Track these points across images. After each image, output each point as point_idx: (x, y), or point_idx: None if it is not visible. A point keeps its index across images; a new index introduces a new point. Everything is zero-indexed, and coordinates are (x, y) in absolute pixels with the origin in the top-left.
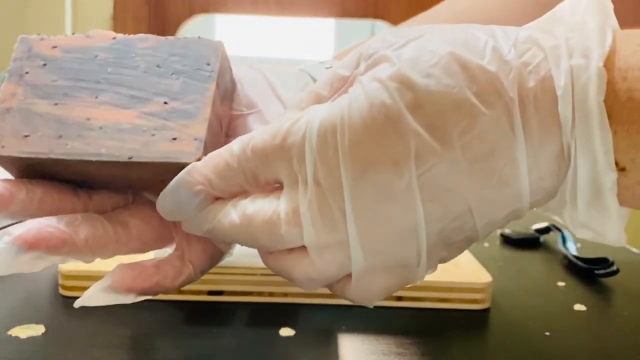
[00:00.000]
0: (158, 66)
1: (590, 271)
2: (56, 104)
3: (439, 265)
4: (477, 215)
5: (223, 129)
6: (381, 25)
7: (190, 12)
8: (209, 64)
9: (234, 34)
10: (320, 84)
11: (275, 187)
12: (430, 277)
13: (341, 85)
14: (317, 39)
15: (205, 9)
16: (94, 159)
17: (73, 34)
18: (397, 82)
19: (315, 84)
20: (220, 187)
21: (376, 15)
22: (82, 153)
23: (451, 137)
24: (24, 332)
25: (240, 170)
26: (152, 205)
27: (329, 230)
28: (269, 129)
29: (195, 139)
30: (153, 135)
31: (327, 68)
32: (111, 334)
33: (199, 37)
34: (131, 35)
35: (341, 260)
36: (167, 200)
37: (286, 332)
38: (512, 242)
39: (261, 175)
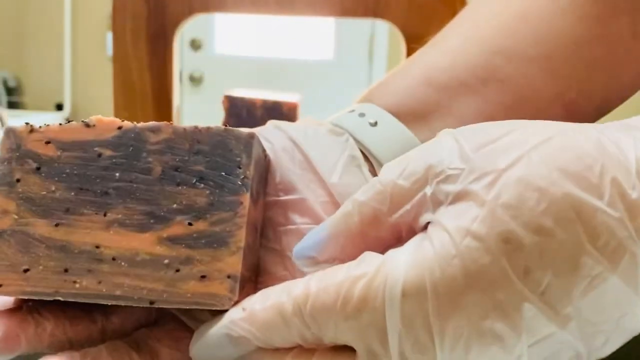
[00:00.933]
0: (177, 169)
1: None
2: (57, 225)
3: None
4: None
5: (258, 231)
6: (381, 25)
7: (190, 11)
8: (240, 167)
9: (233, 34)
10: (374, 196)
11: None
12: None
13: (403, 202)
14: (316, 38)
15: (205, 8)
16: (108, 302)
17: (69, 121)
18: (500, 240)
19: (367, 194)
20: (268, 342)
21: (376, 15)
22: (94, 295)
23: (568, 302)
24: None
25: (296, 334)
26: (180, 323)
27: None
28: (329, 286)
29: (229, 277)
30: (177, 271)
31: (359, 116)
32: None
33: (225, 127)
34: (140, 125)
35: None
36: (201, 348)
37: None
38: None
39: (325, 339)
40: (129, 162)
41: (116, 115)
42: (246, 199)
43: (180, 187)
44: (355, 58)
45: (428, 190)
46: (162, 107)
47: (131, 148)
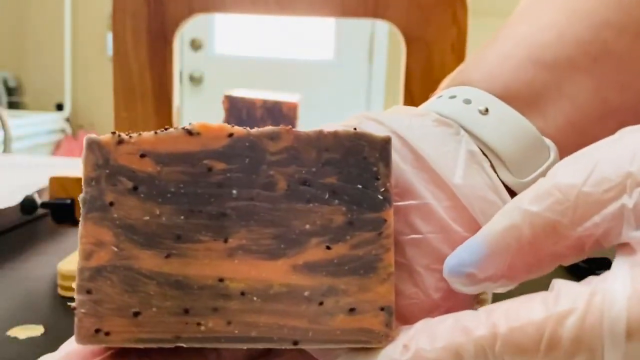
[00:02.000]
0: (305, 183)
1: (591, 271)
2: (169, 256)
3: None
4: None
5: None
6: (381, 25)
7: (190, 12)
8: (378, 177)
9: (233, 34)
10: (552, 205)
11: None
12: None
13: (591, 213)
14: (316, 38)
15: (205, 9)
16: (244, 346)
17: (166, 129)
18: None
19: (542, 204)
20: None
21: (376, 15)
22: (225, 337)
23: None
24: (23, 332)
25: None
26: (297, 353)
27: None
28: (526, 326)
29: (383, 310)
30: (321, 304)
31: (465, 102)
32: None
33: (356, 131)
34: (255, 131)
35: None
36: None
37: None
38: None
39: None
40: (248, 177)
41: (116, 115)
42: (390, 215)
43: (311, 205)
44: (355, 58)
45: (627, 201)
46: (162, 107)
47: (247, 159)
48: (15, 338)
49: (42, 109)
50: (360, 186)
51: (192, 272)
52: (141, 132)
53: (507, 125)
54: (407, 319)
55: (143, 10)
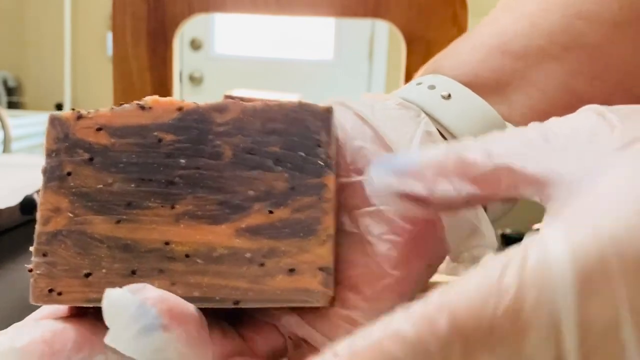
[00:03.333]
0: (250, 152)
1: None
2: (119, 222)
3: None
4: None
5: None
6: (381, 25)
7: (190, 11)
8: (320, 145)
9: (233, 34)
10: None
11: None
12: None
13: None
14: (316, 38)
15: (205, 8)
16: None
17: (121, 104)
18: None
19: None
20: None
21: (376, 15)
22: None
23: None
24: None
25: None
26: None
27: None
28: (471, 297)
29: (321, 270)
30: (262, 265)
31: (429, 88)
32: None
33: (299, 102)
34: (204, 104)
35: None
36: None
37: None
38: (512, 241)
39: None
40: (195, 147)
41: None
42: (330, 180)
43: (255, 172)
44: (355, 58)
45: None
46: None
47: (196, 131)
48: None
49: (41, 108)
50: (302, 154)
51: (140, 236)
52: (99, 109)
53: (468, 110)
54: (360, 289)
55: (143, 10)
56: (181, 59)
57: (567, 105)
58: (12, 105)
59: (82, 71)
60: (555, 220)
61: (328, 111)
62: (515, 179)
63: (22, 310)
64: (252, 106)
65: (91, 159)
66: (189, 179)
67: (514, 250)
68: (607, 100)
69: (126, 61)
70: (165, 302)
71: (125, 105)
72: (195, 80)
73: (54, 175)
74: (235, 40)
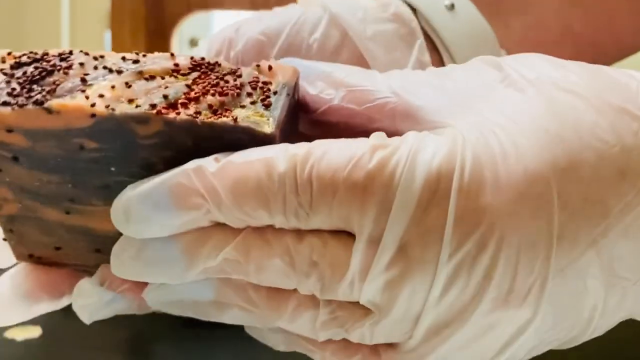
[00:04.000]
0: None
1: None
2: (69, 213)
3: None
4: None
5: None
6: None
7: (189, 9)
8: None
9: None
10: None
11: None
12: None
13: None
14: None
15: (203, 6)
16: None
17: (21, 105)
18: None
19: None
20: (231, 212)
21: None
22: None
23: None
24: (20, 333)
25: (278, 203)
26: None
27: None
28: (342, 150)
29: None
30: None
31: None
32: (109, 336)
33: (234, 123)
34: (119, 113)
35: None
36: (130, 204)
37: None
38: None
39: (314, 215)
40: (123, 156)
41: None
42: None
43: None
44: None
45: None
46: None
47: (118, 141)
48: (13, 339)
49: None
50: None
51: (94, 225)
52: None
53: (468, 27)
54: None
55: (141, 8)
56: None
57: (559, 38)
58: None
59: None
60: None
61: (270, 137)
62: (410, 117)
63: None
64: (179, 122)
65: (16, 158)
66: (124, 183)
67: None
68: (594, 36)
69: None
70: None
71: (28, 107)
72: None
73: None
74: None
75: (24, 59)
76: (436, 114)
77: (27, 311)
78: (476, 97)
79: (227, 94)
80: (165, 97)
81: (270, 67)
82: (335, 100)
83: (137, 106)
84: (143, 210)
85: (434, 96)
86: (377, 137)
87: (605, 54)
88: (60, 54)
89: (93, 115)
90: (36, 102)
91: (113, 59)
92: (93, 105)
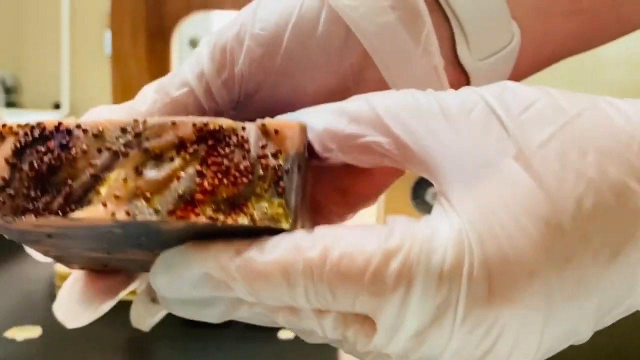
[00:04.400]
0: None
1: None
2: (110, 254)
3: None
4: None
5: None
6: None
7: (189, 9)
8: None
9: None
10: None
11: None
12: None
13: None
14: None
15: (203, 6)
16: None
17: (42, 211)
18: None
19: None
20: (257, 298)
21: None
22: None
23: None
24: (20, 333)
25: (299, 296)
26: None
27: None
28: (356, 255)
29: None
30: None
31: None
32: (108, 335)
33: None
34: (146, 219)
35: None
36: (168, 281)
37: (285, 334)
38: None
39: (336, 306)
40: (151, 233)
41: None
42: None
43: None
44: None
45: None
46: None
47: (144, 229)
48: (13, 339)
49: (39, 108)
50: None
51: (134, 257)
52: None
53: None
54: None
55: (141, 8)
56: (180, 57)
57: (566, 9)
58: (9, 104)
59: (80, 70)
60: (442, 212)
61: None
62: (406, 154)
63: (21, 311)
64: (202, 222)
65: (50, 235)
66: (156, 245)
67: (409, 229)
68: (606, 10)
69: (125, 60)
70: None
71: (47, 214)
72: None
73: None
74: None
75: (22, 138)
76: (441, 175)
77: (93, 314)
78: (479, 168)
79: (240, 184)
80: (180, 196)
81: (276, 131)
82: (339, 157)
83: (155, 210)
84: (185, 284)
85: (439, 151)
86: (386, 235)
87: (607, 28)
88: (56, 129)
89: (114, 217)
90: (57, 213)
91: (112, 132)
92: (113, 214)
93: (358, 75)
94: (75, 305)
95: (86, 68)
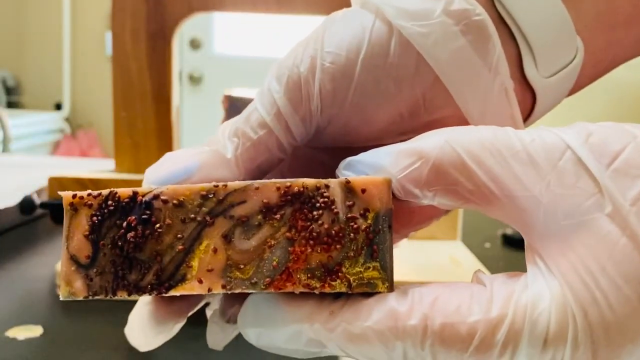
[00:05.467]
0: None
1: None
2: None
3: (439, 265)
4: None
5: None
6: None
7: (190, 10)
8: None
9: (232, 32)
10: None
11: None
12: (431, 277)
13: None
14: None
15: (204, 7)
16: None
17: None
18: None
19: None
20: (353, 356)
21: None
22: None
23: None
24: (21, 333)
25: (400, 356)
26: None
27: None
28: (458, 325)
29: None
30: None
31: None
32: (109, 335)
33: None
34: (244, 291)
35: None
36: (261, 332)
37: None
38: (513, 242)
39: None
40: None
41: (115, 115)
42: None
43: None
44: None
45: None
46: (162, 106)
47: None
48: (14, 339)
49: (40, 108)
50: None
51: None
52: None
53: (546, 14)
54: None
55: (142, 9)
56: (181, 58)
57: (628, 19)
58: (10, 104)
59: (81, 71)
60: (539, 273)
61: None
62: (492, 202)
63: (22, 310)
64: (300, 291)
65: None
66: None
67: (509, 294)
68: None
69: (125, 61)
70: None
71: (144, 291)
72: (194, 79)
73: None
74: (234, 40)
75: (98, 211)
76: (531, 229)
77: (166, 336)
78: (572, 225)
79: (333, 250)
80: (275, 267)
81: (363, 190)
82: (422, 202)
83: (252, 283)
84: (279, 339)
85: (528, 202)
86: (487, 301)
87: None
88: (133, 200)
89: (212, 294)
90: (150, 292)
91: (194, 201)
92: (210, 289)
93: (428, 102)
94: (147, 328)
95: (87, 68)
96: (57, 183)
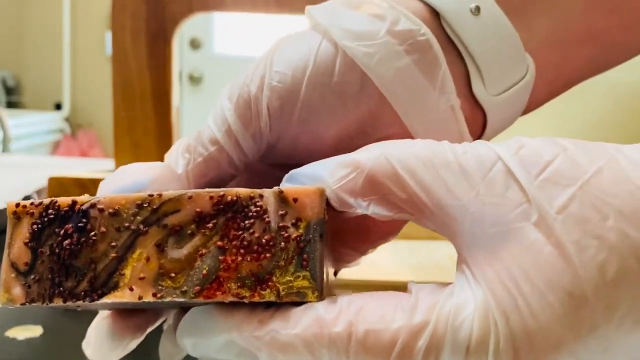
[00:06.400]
0: None
1: None
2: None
3: (439, 265)
4: None
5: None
6: None
7: (190, 10)
8: None
9: (232, 32)
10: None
11: None
12: (430, 277)
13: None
14: None
15: (204, 7)
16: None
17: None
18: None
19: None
20: None
21: None
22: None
23: None
24: (21, 333)
25: None
26: None
27: None
28: (382, 333)
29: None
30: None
31: None
32: None
33: None
34: (174, 300)
35: None
36: (197, 342)
37: None
38: None
39: None
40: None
41: (115, 115)
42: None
43: None
44: None
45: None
46: (162, 106)
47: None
48: (14, 339)
49: (40, 108)
50: None
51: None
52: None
53: (494, 33)
54: None
55: (142, 9)
56: (181, 58)
57: (581, 38)
58: (10, 104)
59: (81, 71)
60: (465, 282)
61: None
62: (423, 211)
63: (22, 310)
64: (229, 301)
65: (78, 305)
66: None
67: (434, 303)
68: (621, 34)
69: (125, 61)
70: None
71: (78, 299)
72: (194, 79)
73: None
74: (234, 40)
75: (38, 219)
76: (459, 238)
77: (122, 351)
78: (499, 234)
79: (263, 259)
80: (205, 275)
81: (295, 199)
82: (356, 211)
83: (182, 292)
84: (212, 348)
85: (457, 212)
86: (411, 309)
87: (630, 53)
88: (71, 208)
89: (143, 302)
90: (83, 298)
91: (129, 210)
92: (141, 297)
93: (375, 120)
94: (104, 342)
95: (87, 68)
96: (57, 183)
